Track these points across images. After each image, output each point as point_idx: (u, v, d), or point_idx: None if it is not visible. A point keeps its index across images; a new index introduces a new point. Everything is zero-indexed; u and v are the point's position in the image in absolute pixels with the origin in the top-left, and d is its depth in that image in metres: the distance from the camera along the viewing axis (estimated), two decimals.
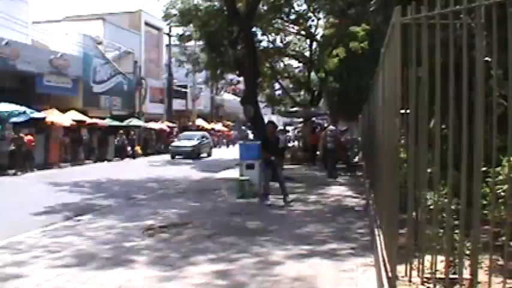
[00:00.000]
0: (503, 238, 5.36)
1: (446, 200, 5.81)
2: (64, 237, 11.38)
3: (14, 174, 28.26)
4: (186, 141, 45.16)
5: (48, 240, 11.06)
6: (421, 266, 5.76)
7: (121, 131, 42.52)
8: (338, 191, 19.92)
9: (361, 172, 23.78)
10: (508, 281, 5.09)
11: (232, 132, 73.93)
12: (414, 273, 5.84)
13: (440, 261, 5.65)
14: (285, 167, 24.31)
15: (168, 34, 51.98)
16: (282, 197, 16.38)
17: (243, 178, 17.68)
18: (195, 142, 45.13)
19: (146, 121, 50.00)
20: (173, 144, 45.85)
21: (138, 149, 45.70)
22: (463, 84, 5.31)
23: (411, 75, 5.84)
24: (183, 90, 60.50)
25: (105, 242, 10.94)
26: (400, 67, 6.07)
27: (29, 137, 31.25)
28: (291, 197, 16.67)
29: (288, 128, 53.59)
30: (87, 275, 8.48)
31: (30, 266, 8.94)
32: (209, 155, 47.67)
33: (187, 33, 32.49)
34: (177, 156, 43.09)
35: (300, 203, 16.37)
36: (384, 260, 6.63)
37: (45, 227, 12.56)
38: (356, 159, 30.27)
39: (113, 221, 13.40)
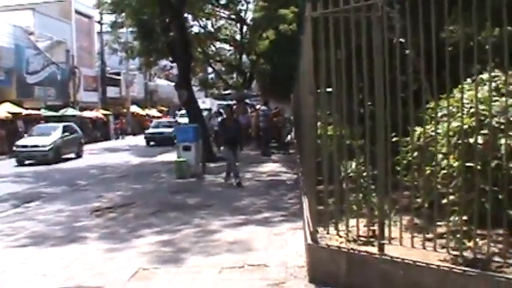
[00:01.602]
0: (418, 200, 6.47)
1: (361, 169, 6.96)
2: (16, 222, 12.15)
3: None
4: (39, 138, 30.36)
5: (2, 226, 11.78)
6: (339, 225, 6.90)
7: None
8: (271, 167, 21.09)
9: (294, 149, 24.89)
10: (419, 235, 6.13)
11: (169, 117, 74.06)
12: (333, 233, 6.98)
13: (361, 222, 6.79)
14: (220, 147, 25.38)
15: (99, 22, 51.94)
16: (219, 175, 17.32)
17: (180, 159, 18.59)
18: (53, 139, 30.39)
19: (81, 110, 49.99)
20: (19, 143, 30.63)
21: None
22: (363, 67, 6.42)
23: (321, 61, 6.88)
24: (117, 77, 60.53)
25: (57, 223, 11.78)
26: (312, 54, 7.11)
27: None
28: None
29: (222, 111, 53.68)
30: (44, 251, 9.34)
31: None
32: (79, 155, 32.99)
33: (120, 20, 32.79)
34: (26, 162, 29.11)
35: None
36: (308, 220, 7.71)
37: None
38: (289, 138, 31.37)
39: (61, 205, 14.16)
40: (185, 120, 43.99)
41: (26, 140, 30.96)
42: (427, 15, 5.79)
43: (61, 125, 33.51)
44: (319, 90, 7.18)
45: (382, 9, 6.36)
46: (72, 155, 32.24)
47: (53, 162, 28.48)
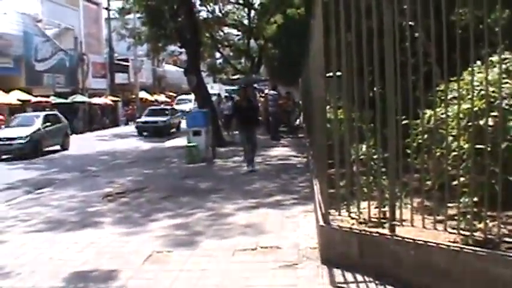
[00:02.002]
0: (428, 182, 6.54)
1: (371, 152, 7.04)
2: (31, 208, 12.31)
3: None
4: (16, 129, 26.56)
5: (17, 211, 11.97)
6: (350, 207, 7.00)
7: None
8: (281, 151, 21.25)
9: (303, 134, 24.96)
10: (429, 217, 6.19)
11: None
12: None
13: (372, 205, 6.87)
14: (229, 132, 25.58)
15: (107, 8, 51.96)
16: (228, 159, 17.40)
17: (190, 144, 18.69)
18: (31, 130, 26.29)
19: (90, 96, 50.11)
20: None
21: None
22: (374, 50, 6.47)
23: (331, 44, 6.93)
24: (125, 63, 60.32)
25: (70, 209, 11.93)
26: (322, 37, 7.17)
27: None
28: (236, 159, 17.75)
29: (233, 95, 51.98)
30: (60, 236, 9.48)
31: (7, 234, 9.85)
32: (64, 147, 29.04)
33: (127, 6, 32.82)
34: (3, 156, 25.11)
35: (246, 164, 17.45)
36: (319, 202, 7.81)
37: (9, 201, 13.42)
38: (298, 122, 31.45)
39: (73, 191, 14.30)
40: (184, 107, 43.12)
41: (2, 132, 27.31)
42: None
43: (42, 114, 29.97)
44: (329, 74, 7.24)
45: None
46: (57, 147, 28.58)
47: (31, 156, 24.74)
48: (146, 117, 39.21)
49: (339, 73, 7.05)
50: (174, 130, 38.60)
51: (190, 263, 7.50)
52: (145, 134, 37.18)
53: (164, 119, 38.06)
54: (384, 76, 6.41)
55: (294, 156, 19.27)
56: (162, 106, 50.04)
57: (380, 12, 6.43)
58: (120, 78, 58.92)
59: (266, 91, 35.58)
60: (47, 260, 8.04)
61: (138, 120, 40.46)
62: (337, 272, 6.53)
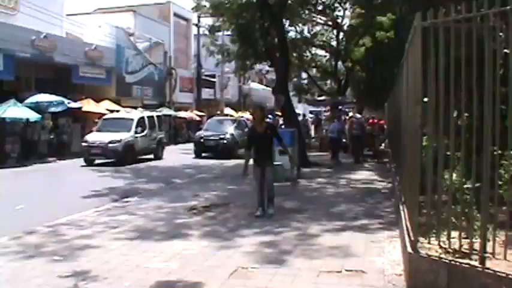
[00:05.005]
0: None
1: (462, 181, 6.89)
2: (119, 215, 12.64)
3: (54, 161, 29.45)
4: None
5: (105, 218, 12.33)
6: (440, 236, 6.86)
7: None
8: (365, 175, 21.08)
9: (387, 158, 24.72)
10: None
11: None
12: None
13: (461, 236, 6.73)
14: (314, 154, 25.50)
15: (196, 25, 52.88)
16: (312, 180, 17.28)
17: (276, 163, 18.66)
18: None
19: (176, 110, 50.97)
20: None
21: None
22: (473, 78, 6.37)
23: (429, 70, 6.86)
24: (212, 79, 61.24)
25: (157, 219, 12.19)
26: (420, 63, 7.11)
27: None
28: (320, 180, 17.57)
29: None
30: (147, 245, 9.72)
31: (97, 239, 10.18)
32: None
33: (217, 24, 33.29)
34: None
35: (331, 186, 17.54)
36: (407, 229, 7.70)
37: (98, 208, 13.78)
38: (383, 146, 31.14)
39: (159, 202, 14.61)
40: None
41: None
42: None
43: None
44: (425, 100, 7.17)
45: (494, 20, 6.30)
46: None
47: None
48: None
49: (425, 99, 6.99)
50: None
51: (275, 280, 7.53)
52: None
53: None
54: (481, 104, 6.30)
55: (378, 181, 19.08)
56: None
57: (480, 39, 6.33)
58: (206, 93, 59.78)
59: (350, 113, 35.42)
60: (133, 267, 8.26)
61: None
62: None
